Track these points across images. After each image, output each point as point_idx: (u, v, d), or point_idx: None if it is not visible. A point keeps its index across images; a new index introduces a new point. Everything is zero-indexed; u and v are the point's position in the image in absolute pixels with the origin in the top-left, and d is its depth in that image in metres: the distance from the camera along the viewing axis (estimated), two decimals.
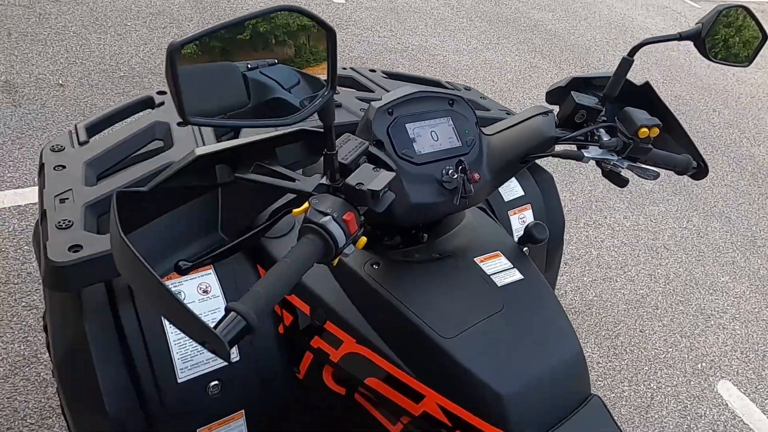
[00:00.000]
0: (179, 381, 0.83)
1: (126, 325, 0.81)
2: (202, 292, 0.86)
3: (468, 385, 0.73)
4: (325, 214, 0.57)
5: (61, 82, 2.79)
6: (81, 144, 0.95)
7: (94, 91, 2.78)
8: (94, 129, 1.01)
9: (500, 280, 0.84)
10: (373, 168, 0.63)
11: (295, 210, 0.60)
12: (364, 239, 0.62)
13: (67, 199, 0.83)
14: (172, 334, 0.82)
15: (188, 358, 0.83)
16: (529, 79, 4.14)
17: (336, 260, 0.60)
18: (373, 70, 1.44)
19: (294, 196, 0.72)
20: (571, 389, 0.79)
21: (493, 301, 0.81)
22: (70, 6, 3.45)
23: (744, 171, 3.78)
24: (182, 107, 0.52)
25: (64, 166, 0.89)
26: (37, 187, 2.30)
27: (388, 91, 1.25)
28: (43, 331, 1.29)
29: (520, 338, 0.78)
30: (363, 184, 0.60)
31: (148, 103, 1.12)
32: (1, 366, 1.63)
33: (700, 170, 0.91)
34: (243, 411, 0.91)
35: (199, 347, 0.84)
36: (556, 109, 0.93)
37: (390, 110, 0.80)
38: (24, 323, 1.74)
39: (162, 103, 1.10)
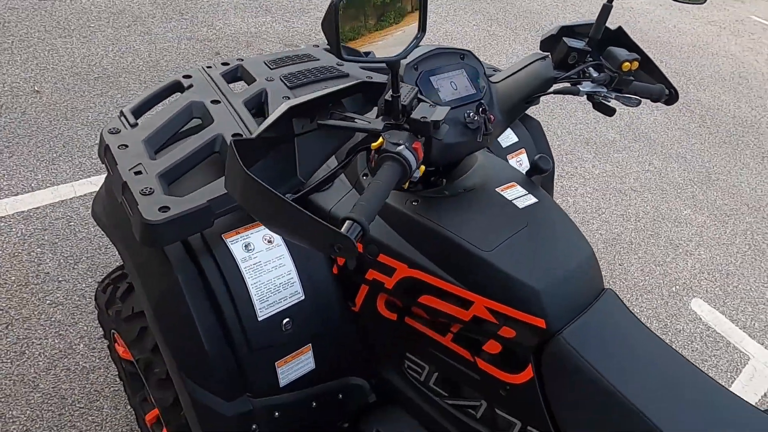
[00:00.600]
0: (259, 319, 0.95)
1: (209, 274, 0.92)
2: (267, 242, 0.98)
3: (510, 287, 0.88)
4: (399, 144, 0.71)
5: (36, 88, 2.78)
6: (132, 126, 1.04)
7: (71, 95, 2.78)
8: (138, 112, 1.10)
9: (520, 204, 1.00)
10: (429, 105, 0.77)
11: (373, 144, 0.73)
12: (423, 167, 0.76)
13: (140, 172, 0.93)
14: (250, 278, 0.94)
15: (264, 298, 0.96)
16: (489, 47, 4.31)
17: (407, 183, 0.73)
18: None
19: (364, 136, 0.85)
20: (589, 283, 0.95)
21: (518, 220, 0.96)
22: (27, 13, 3.39)
23: (693, 115, 4.08)
24: (339, 50, 0.68)
25: (126, 145, 0.98)
26: (33, 192, 2.29)
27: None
28: (95, 308, 1.36)
29: (544, 246, 0.93)
30: (426, 117, 0.73)
31: (176, 88, 1.21)
32: (40, 360, 1.70)
33: (671, 96, 1.08)
34: (310, 345, 1.04)
35: (275, 287, 0.97)
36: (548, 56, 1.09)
37: (415, 66, 0.93)
38: (53, 319, 1.81)
39: (190, 86, 1.19)
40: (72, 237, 2.09)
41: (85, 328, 1.81)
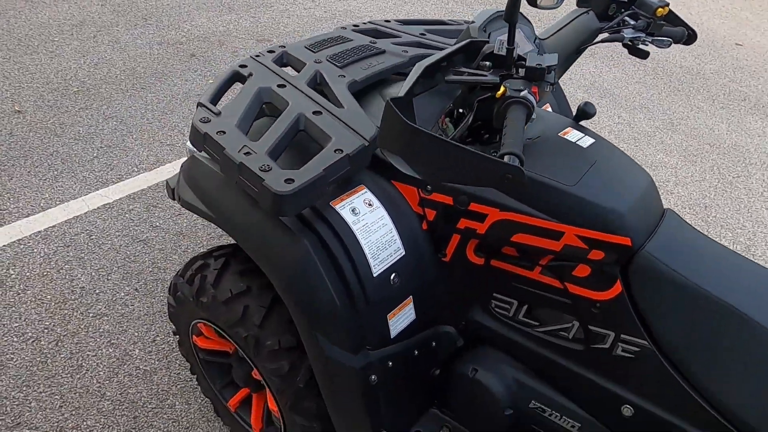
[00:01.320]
0: (374, 275, 1.04)
1: (327, 239, 1.00)
2: (368, 206, 1.06)
3: (597, 213, 1.00)
4: (521, 90, 0.81)
5: (17, 108, 2.69)
6: (217, 115, 1.09)
7: (55, 112, 2.71)
8: (214, 102, 1.14)
9: (583, 144, 1.12)
10: (538, 53, 0.87)
11: (497, 93, 0.82)
12: None
13: (249, 153, 0.98)
14: (362, 238, 1.02)
15: (376, 256, 1.04)
16: None
17: (527, 123, 0.84)
18: (387, 21, 1.64)
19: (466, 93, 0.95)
20: (656, 204, 1.09)
21: (587, 157, 1.08)
22: None
23: (647, 68, 4.36)
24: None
25: (224, 131, 1.03)
26: (44, 211, 2.23)
27: (405, 36, 1.50)
28: (169, 306, 1.38)
29: (616, 176, 1.06)
30: (541, 64, 0.83)
31: (237, 77, 1.26)
32: (100, 370, 1.71)
33: (690, 37, 1.23)
34: (411, 297, 1.14)
35: (382, 245, 1.05)
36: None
37: (484, 28, 1.03)
38: (101, 330, 1.81)
39: (250, 74, 1.24)
40: (97, 250, 2.07)
41: (136, 333, 1.82)
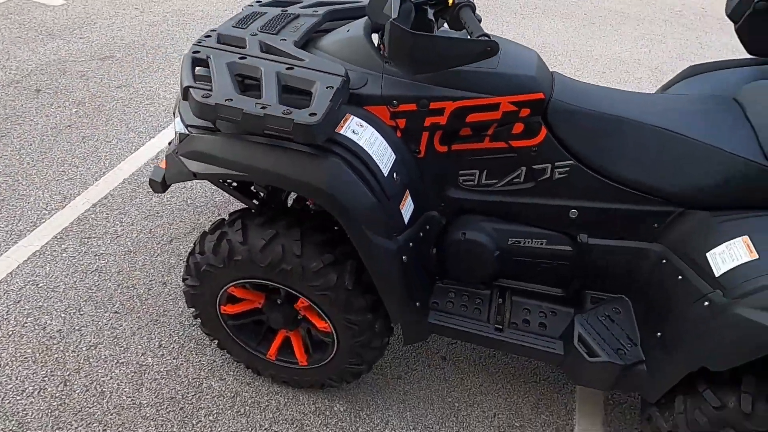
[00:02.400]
0: (385, 175, 1.32)
1: (344, 154, 1.24)
2: (360, 126, 1.32)
3: (517, 81, 1.38)
4: None
5: None
6: (210, 90, 1.25)
7: None
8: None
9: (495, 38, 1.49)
10: None
11: (449, 3, 1.13)
12: None
13: (265, 107, 1.17)
14: (368, 148, 1.29)
15: (381, 160, 1.31)
16: None
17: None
18: None
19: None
20: (546, 69, 1.51)
21: (498, 47, 1.46)
22: None
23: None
24: None
25: (231, 99, 1.20)
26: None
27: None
28: (188, 286, 1.48)
29: (518, 56, 1.45)
30: None
31: (197, 62, 1.40)
32: (124, 388, 1.75)
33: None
34: (407, 190, 1.44)
35: (380, 152, 1.33)
36: None
37: None
38: (102, 356, 1.83)
39: (209, 56, 1.39)
40: (53, 294, 2.01)
41: (140, 346, 1.87)
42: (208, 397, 1.74)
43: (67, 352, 1.83)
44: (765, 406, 1.21)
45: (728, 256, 1.25)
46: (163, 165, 1.61)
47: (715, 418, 1.28)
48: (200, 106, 1.21)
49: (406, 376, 1.85)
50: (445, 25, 1.42)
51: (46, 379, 1.75)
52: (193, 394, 1.75)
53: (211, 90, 1.26)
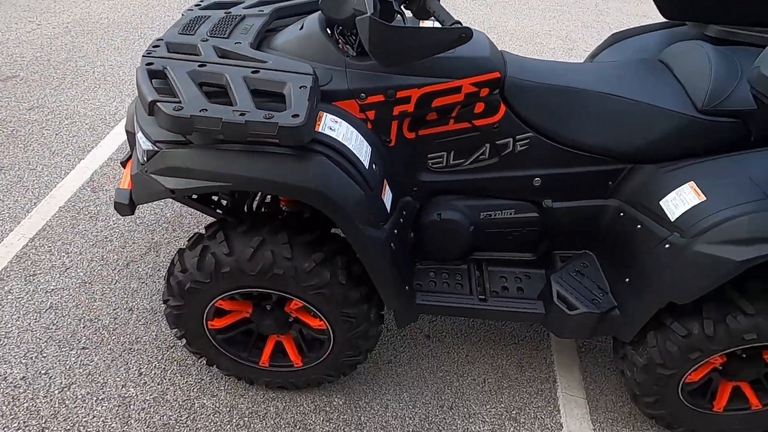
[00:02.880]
0: (366, 167, 1.34)
1: (325, 151, 1.25)
2: (335, 122, 1.33)
3: (474, 63, 1.45)
4: None
5: None
6: (180, 103, 1.20)
7: None
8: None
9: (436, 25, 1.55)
10: None
11: None
12: None
13: (244, 113, 1.15)
14: (347, 142, 1.31)
15: (359, 152, 1.34)
16: None
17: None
18: None
19: None
20: (497, 50, 1.59)
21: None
22: None
23: None
24: None
25: (205, 109, 1.16)
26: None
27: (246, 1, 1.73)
28: (170, 307, 1.42)
29: (471, 40, 1.52)
30: None
31: (154, 74, 1.33)
32: (110, 422, 1.66)
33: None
34: (385, 180, 1.47)
35: (358, 145, 1.36)
36: None
37: None
38: (78, 396, 1.72)
39: (165, 67, 1.33)
40: (5, 340, 1.86)
41: (118, 378, 1.78)
42: (203, 416, 1.70)
43: (38, 398, 1.71)
44: (724, 327, 1.39)
45: (680, 201, 1.40)
46: (125, 185, 1.53)
47: (683, 345, 1.44)
48: (174, 120, 1.17)
49: (396, 360, 1.90)
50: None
51: (20, 431, 1.63)
52: (187, 416, 1.70)
53: (180, 102, 1.22)
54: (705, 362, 1.50)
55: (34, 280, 2.07)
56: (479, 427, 1.73)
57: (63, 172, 2.57)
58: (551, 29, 4.46)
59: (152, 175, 1.32)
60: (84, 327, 1.93)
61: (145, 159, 1.36)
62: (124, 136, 2.90)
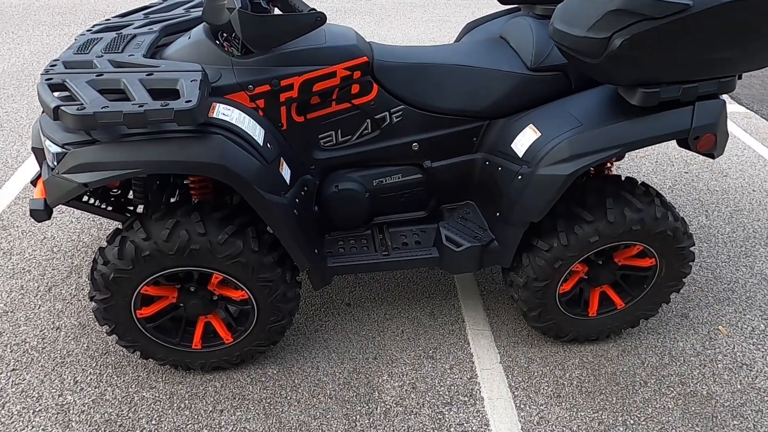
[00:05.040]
0: (261, 144, 1.55)
1: (223, 133, 1.44)
2: (227, 110, 1.53)
3: (345, 51, 1.71)
4: None
5: None
6: (81, 109, 1.34)
7: None
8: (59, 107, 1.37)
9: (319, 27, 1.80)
10: None
11: None
12: None
13: (141, 105, 1.32)
14: (241, 124, 1.50)
15: (253, 132, 1.54)
16: None
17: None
18: (108, 19, 1.96)
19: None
20: (363, 40, 1.87)
21: (320, 30, 1.77)
22: None
23: None
24: None
25: (106, 106, 1.32)
26: None
27: (135, 22, 1.91)
28: (99, 307, 1.50)
29: (339, 33, 1.78)
30: None
31: (55, 87, 1.47)
32: None
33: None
34: (281, 158, 1.68)
35: (251, 127, 1.56)
36: None
37: None
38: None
39: (64, 80, 1.47)
40: None
41: (53, 390, 1.83)
42: (144, 407, 1.79)
43: None
44: (575, 236, 1.71)
45: (524, 140, 1.72)
46: (37, 195, 1.63)
47: (548, 257, 1.75)
48: (78, 119, 1.32)
49: (321, 329, 2.09)
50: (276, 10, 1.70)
51: None
52: (128, 409, 1.78)
53: (82, 104, 1.37)
54: (570, 271, 1.82)
55: None
56: (402, 369, 1.94)
57: None
58: (434, 37, 4.92)
59: (64, 175, 1.45)
60: (11, 351, 1.95)
61: (55, 162, 1.48)
62: (29, 177, 2.90)
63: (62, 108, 1.35)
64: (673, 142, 3.21)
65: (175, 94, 1.46)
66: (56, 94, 1.46)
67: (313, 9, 1.48)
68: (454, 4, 5.86)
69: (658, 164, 3.19)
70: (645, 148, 3.31)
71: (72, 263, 2.34)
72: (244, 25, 1.38)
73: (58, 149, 1.46)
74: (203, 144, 1.43)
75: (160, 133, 1.43)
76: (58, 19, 5.28)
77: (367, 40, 1.89)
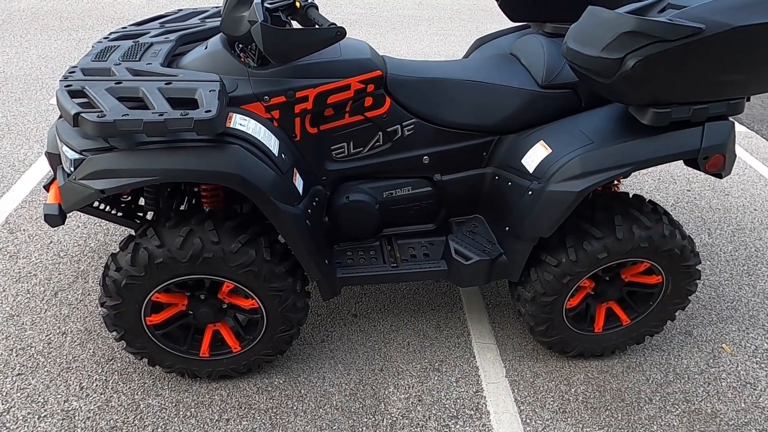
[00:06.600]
0: (276, 155, 1.56)
1: (241, 143, 1.46)
2: (244, 120, 1.55)
3: (359, 64, 1.73)
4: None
5: None
6: (102, 116, 1.35)
7: None
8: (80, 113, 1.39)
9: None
10: None
11: (297, 5, 1.43)
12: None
13: (161, 114, 1.33)
14: (257, 134, 1.52)
15: (269, 142, 1.55)
16: None
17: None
18: (124, 27, 1.99)
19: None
20: (377, 54, 1.90)
21: (337, 45, 1.80)
22: None
23: None
24: None
25: (126, 114, 1.33)
26: None
27: (152, 31, 1.94)
28: (107, 308, 1.51)
29: (353, 47, 1.81)
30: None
31: (74, 94, 1.48)
32: None
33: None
34: (295, 168, 1.70)
35: (266, 137, 1.58)
36: None
37: None
38: None
39: (83, 87, 1.49)
40: None
41: (59, 395, 1.82)
42: (150, 414, 1.79)
43: None
44: (583, 252, 1.73)
45: (535, 156, 1.74)
46: (51, 200, 1.64)
47: (556, 273, 1.77)
48: (98, 126, 1.34)
49: (328, 339, 2.09)
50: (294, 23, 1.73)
51: None
52: (134, 417, 1.78)
53: (102, 111, 1.38)
54: (578, 287, 1.83)
55: None
56: (408, 381, 1.94)
57: None
58: (439, 50, 4.97)
59: (80, 181, 1.46)
60: (16, 355, 1.95)
61: (72, 169, 1.49)
62: (37, 180, 2.91)
63: (82, 115, 1.36)
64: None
65: (193, 103, 1.48)
66: (75, 100, 1.48)
67: (333, 23, 1.50)
68: (458, 18, 5.93)
69: (660, 181, 3.22)
70: None
71: (78, 268, 2.34)
72: (265, 38, 1.41)
73: (76, 155, 1.47)
74: (221, 153, 1.44)
75: (177, 141, 1.45)
76: (65, 24, 5.32)
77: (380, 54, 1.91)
